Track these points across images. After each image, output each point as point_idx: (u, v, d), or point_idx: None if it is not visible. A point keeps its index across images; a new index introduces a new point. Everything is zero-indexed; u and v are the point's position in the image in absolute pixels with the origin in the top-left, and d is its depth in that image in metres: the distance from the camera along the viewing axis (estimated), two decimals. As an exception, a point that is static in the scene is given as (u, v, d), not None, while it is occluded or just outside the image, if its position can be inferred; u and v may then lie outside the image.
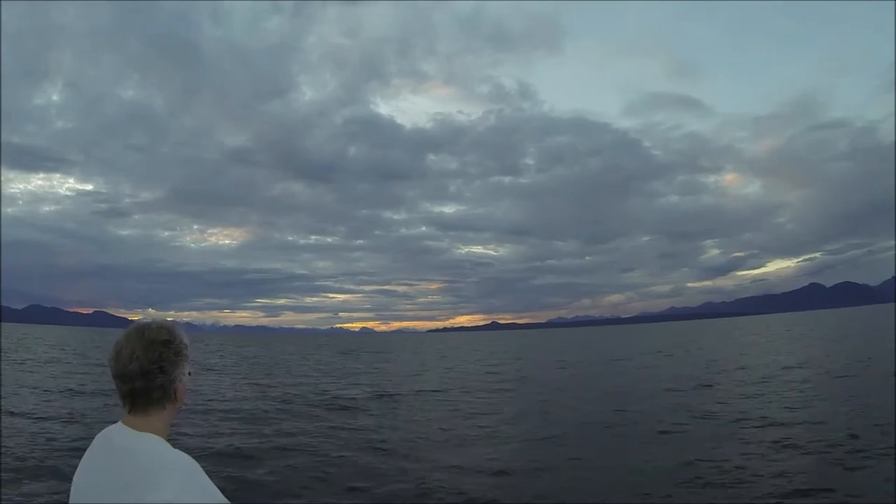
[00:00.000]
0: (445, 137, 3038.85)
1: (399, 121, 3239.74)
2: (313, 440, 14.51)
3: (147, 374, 2.10)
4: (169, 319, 2.29)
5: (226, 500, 2.02)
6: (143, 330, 2.18)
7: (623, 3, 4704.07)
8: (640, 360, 40.35)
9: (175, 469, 1.99)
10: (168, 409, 2.19)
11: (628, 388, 23.94)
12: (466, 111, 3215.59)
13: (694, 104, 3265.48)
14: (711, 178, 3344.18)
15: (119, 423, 2.15)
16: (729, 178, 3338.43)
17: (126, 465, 2.00)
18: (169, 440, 2.13)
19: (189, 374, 2.28)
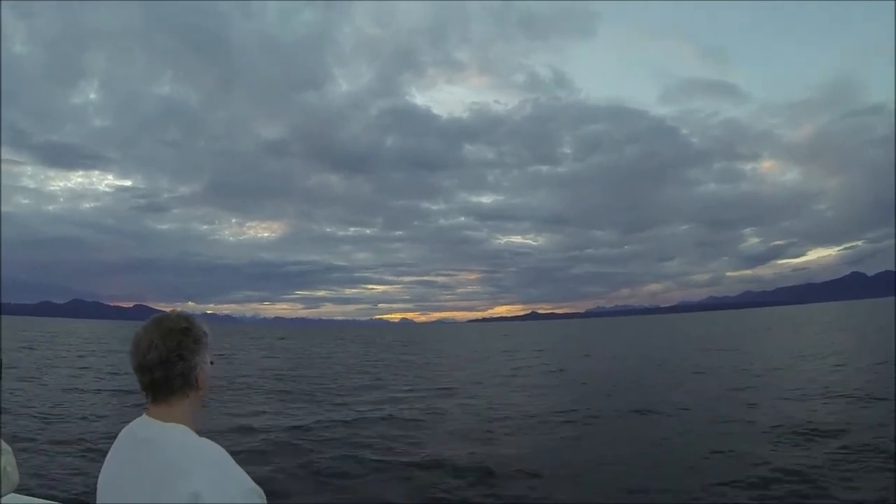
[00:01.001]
0: (482, 127, 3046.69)
1: (435, 111, 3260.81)
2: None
3: (166, 362, 2.11)
4: (188, 312, 2.28)
5: (256, 487, 1.98)
6: (160, 320, 2.20)
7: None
8: (690, 353, 38.22)
9: (203, 458, 1.97)
10: (191, 397, 2.18)
11: (679, 382, 22.49)
12: (502, 100, 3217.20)
13: (730, 90, 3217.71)
14: (749, 166, 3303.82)
15: (143, 416, 2.16)
16: (767, 165, 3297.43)
17: (153, 456, 1.99)
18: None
19: (211, 362, 2.27)
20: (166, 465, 1.95)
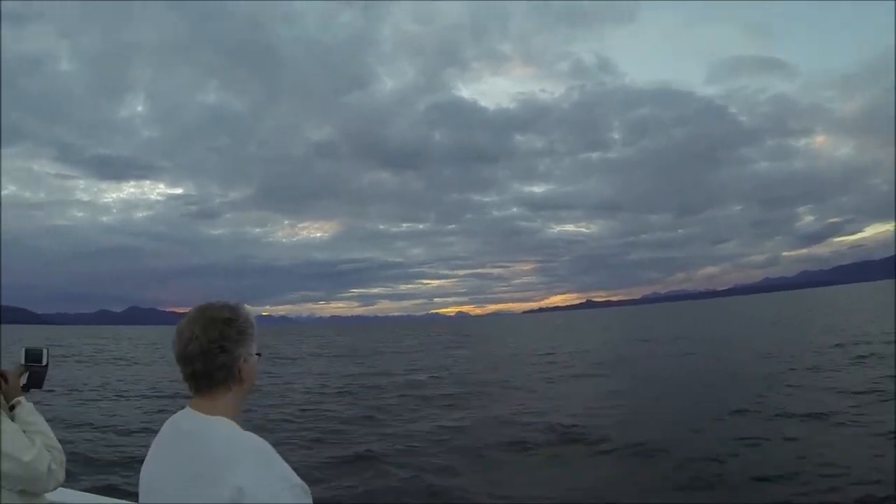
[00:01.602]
0: (530, 117, 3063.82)
1: (482, 103, 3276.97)
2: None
3: (207, 353, 2.06)
4: (233, 301, 2.22)
5: (301, 482, 1.94)
6: (203, 309, 2.15)
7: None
8: (752, 338, 36.01)
9: (247, 451, 1.94)
10: (234, 390, 2.13)
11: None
12: (549, 89, 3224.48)
13: (778, 65, 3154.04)
14: (802, 142, 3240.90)
15: (186, 408, 2.13)
16: (819, 141, 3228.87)
17: (196, 449, 1.97)
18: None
19: (258, 354, 2.22)
20: (210, 458, 1.92)
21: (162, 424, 2.12)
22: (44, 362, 3.26)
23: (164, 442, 2.11)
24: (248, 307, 2.22)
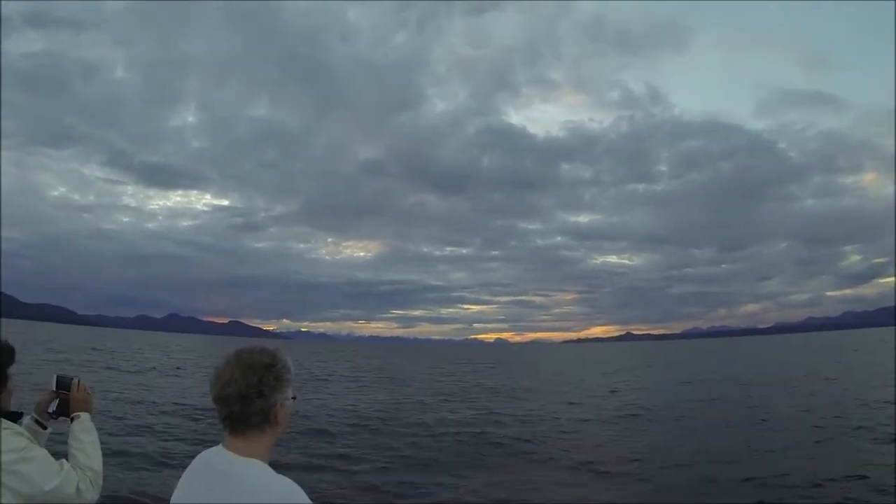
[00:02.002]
0: (578, 145, 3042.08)
1: (531, 130, 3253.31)
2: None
3: (245, 398, 2.14)
4: (273, 346, 2.31)
5: None
6: (243, 354, 2.23)
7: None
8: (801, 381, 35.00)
9: (279, 496, 2.02)
10: (268, 433, 2.22)
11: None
12: (598, 118, 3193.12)
13: (828, 99, 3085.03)
14: (850, 179, 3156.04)
15: (220, 447, 2.21)
16: (869, 178, 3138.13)
17: (229, 491, 2.04)
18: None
19: (294, 398, 2.31)
20: (242, 500, 2.00)
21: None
22: (72, 392, 3.28)
23: (194, 479, 2.19)
24: (285, 353, 2.31)
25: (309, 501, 2.04)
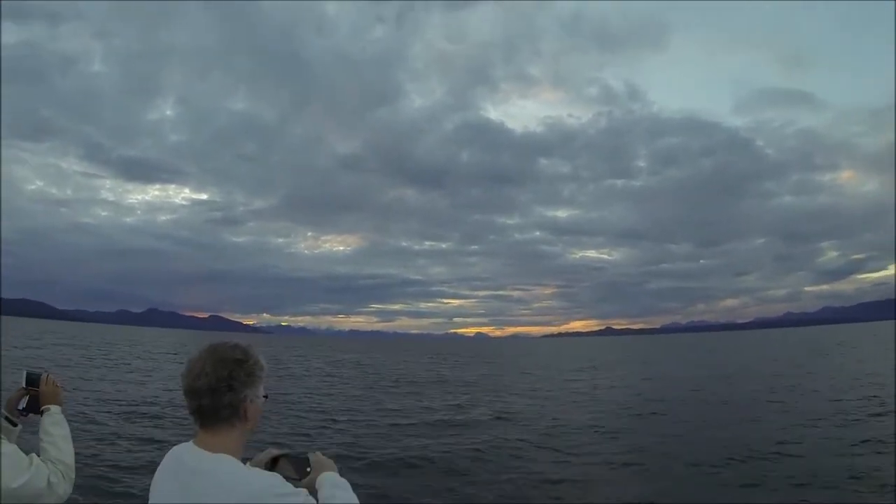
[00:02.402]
0: (556, 141, 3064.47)
1: (509, 125, 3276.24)
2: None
3: (215, 391, 2.13)
4: (247, 343, 2.30)
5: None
6: (216, 348, 2.23)
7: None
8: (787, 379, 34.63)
9: (256, 489, 2.00)
10: (238, 428, 2.20)
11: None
12: (576, 114, 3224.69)
13: (806, 98, 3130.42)
14: (827, 177, 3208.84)
15: (190, 443, 2.19)
16: (846, 176, 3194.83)
17: (203, 489, 2.02)
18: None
19: (265, 397, 2.30)
20: (217, 496, 1.98)
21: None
22: (41, 387, 3.21)
23: (167, 477, 2.16)
24: (258, 351, 2.30)
25: (289, 489, 2.05)
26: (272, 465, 2.57)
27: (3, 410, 3.14)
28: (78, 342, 64.70)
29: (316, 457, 2.53)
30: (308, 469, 2.48)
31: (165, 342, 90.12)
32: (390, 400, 25.35)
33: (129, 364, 39.08)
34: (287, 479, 2.38)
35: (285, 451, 2.45)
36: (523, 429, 18.04)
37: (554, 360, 68.71)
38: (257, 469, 2.14)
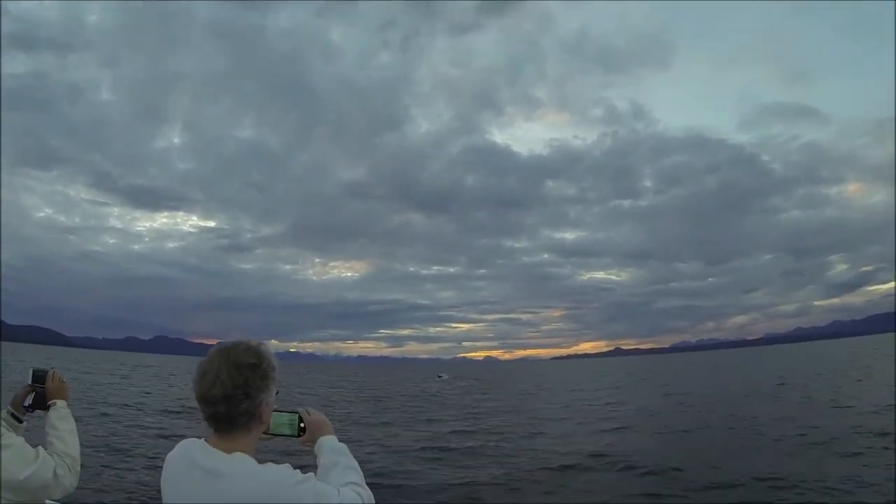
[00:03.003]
0: (562, 163, 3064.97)
1: (515, 148, 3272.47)
2: None
3: (231, 398, 2.11)
4: (256, 341, 2.24)
5: (335, 489, 2.12)
6: (228, 352, 2.15)
7: (728, 13, 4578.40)
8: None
9: (273, 482, 2.07)
10: (253, 431, 2.18)
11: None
12: (581, 135, 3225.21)
13: (810, 112, 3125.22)
14: (834, 190, 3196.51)
15: (202, 442, 2.14)
16: (852, 189, 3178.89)
17: (224, 490, 2.06)
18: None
19: (277, 393, 2.26)
20: (241, 497, 2.03)
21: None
22: (47, 383, 3.31)
23: (182, 478, 2.11)
24: (269, 347, 2.24)
25: (300, 476, 2.08)
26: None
27: (8, 407, 3.24)
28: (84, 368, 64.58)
29: (311, 416, 2.56)
30: (302, 425, 2.53)
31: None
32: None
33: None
34: (286, 436, 2.53)
35: (275, 407, 2.37)
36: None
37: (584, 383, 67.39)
38: (270, 463, 2.10)
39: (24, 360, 62.28)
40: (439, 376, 77.87)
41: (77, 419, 3.30)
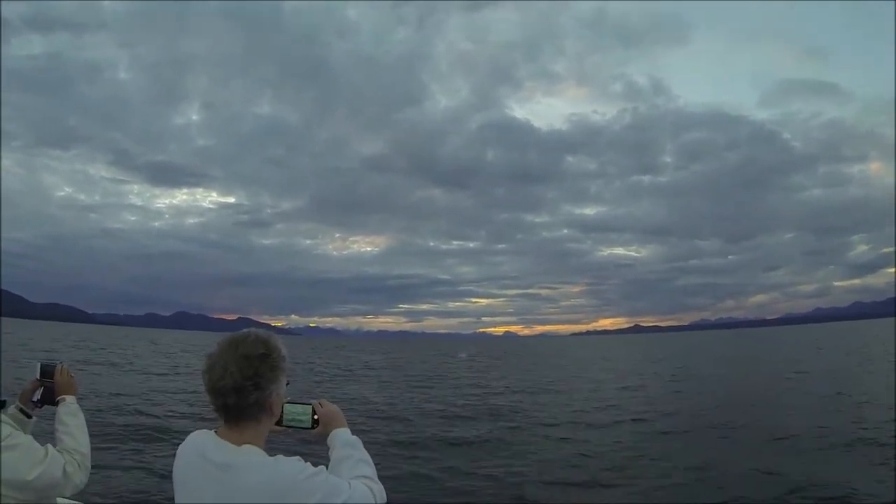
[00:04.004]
0: (582, 138, 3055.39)
1: (535, 123, 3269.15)
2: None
3: (241, 390, 2.06)
4: (265, 331, 2.22)
5: (346, 482, 2.12)
6: (237, 343, 2.13)
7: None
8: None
9: (285, 475, 2.01)
10: (264, 422, 2.16)
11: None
12: (601, 110, 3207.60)
13: (832, 89, 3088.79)
14: (855, 168, 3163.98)
15: (212, 434, 2.13)
16: (874, 167, 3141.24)
17: (236, 483, 2.00)
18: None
19: (287, 383, 2.24)
20: (253, 490, 1.97)
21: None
22: (56, 378, 3.25)
23: (194, 471, 2.10)
24: (278, 338, 2.21)
25: (312, 469, 2.05)
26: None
27: (17, 402, 3.18)
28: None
29: (324, 408, 2.55)
30: (315, 417, 2.52)
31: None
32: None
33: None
34: (298, 429, 2.51)
35: (287, 398, 2.37)
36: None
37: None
38: (280, 456, 2.06)
39: (44, 338, 63.23)
40: (462, 355, 75.70)
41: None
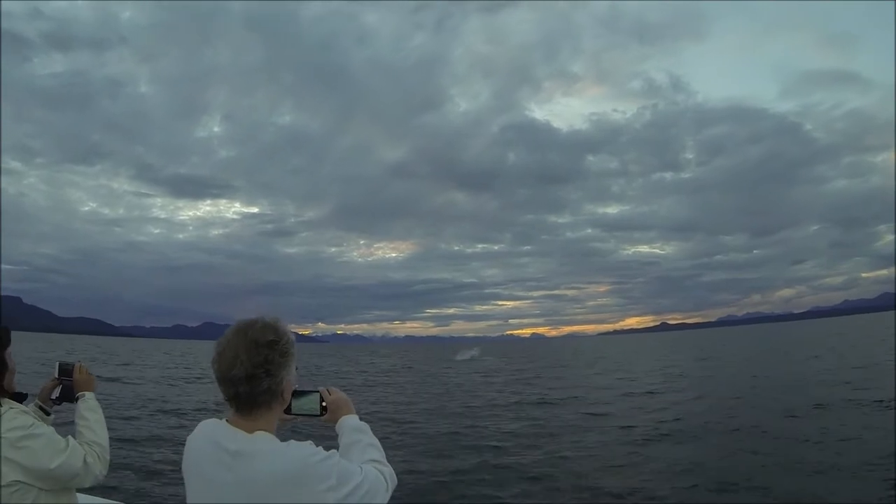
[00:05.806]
0: (603, 137, 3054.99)
1: (555, 124, 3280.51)
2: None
3: (252, 378, 2.04)
4: (273, 317, 2.20)
5: (358, 467, 2.13)
6: (246, 330, 2.11)
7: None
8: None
9: (297, 459, 2.00)
10: (275, 409, 2.16)
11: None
12: (621, 108, 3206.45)
13: (852, 78, 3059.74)
14: (880, 157, 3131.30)
15: (223, 423, 2.12)
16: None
17: (250, 469, 1.99)
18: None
19: (297, 368, 2.23)
20: (268, 476, 1.96)
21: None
22: (75, 376, 3.35)
23: (207, 460, 2.08)
24: (286, 323, 2.20)
25: (323, 453, 2.04)
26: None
27: (36, 400, 3.28)
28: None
29: (332, 395, 2.56)
30: (323, 404, 2.53)
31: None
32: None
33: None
34: (307, 416, 2.51)
35: (295, 386, 2.35)
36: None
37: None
38: (292, 441, 2.05)
39: (75, 351, 64.02)
40: (472, 355, 71.58)
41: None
